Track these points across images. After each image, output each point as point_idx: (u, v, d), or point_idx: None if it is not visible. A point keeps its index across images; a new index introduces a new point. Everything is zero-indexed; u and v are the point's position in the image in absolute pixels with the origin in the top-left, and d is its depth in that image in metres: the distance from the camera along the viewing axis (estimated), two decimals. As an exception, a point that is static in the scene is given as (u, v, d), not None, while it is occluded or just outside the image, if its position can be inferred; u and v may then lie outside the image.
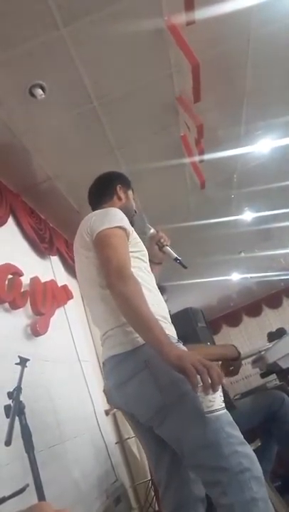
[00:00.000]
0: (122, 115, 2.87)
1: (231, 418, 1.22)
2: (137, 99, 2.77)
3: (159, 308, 1.39)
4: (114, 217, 1.46)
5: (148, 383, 1.25)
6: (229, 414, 1.22)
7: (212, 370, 1.10)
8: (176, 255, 1.73)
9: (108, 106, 2.74)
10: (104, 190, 1.75)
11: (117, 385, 1.35)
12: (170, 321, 1.44)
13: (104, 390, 1.57)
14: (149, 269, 1.52)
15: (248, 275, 7.72)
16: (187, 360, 1.11)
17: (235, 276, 7.81)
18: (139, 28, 2.25)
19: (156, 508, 2.87)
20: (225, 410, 1.15)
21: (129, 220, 1.53)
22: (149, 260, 1.60)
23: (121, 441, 3.57)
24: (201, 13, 2.13)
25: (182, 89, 2.70)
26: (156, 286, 1.51)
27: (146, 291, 1.33)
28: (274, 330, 7.58)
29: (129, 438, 3.52)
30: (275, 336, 6.35)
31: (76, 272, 1.66)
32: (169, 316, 1.45)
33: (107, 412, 3.48)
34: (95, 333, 3.99)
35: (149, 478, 3.03)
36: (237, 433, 1.20)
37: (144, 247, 1.54)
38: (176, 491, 1.37)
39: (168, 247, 1.75)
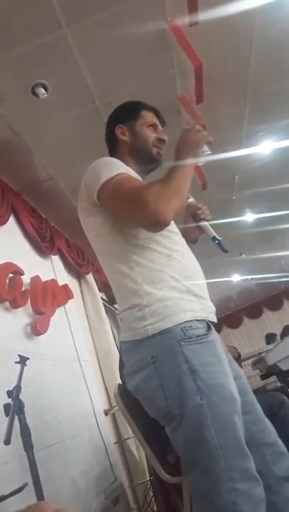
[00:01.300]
0: (125, 115, 2.87)
1: (243, 441, 1.06)
2: (140, 99, 2.75)
3: (180, 278, 1.19)
4: (107, 166, 1.25)
5: (153, 383, 1.11)
6: (242, 437, 1.06)
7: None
8: (215, 234, 1.40)
9: (110, 106, 2.69)
10: (108, 140, 1.48)
11: (127, 372, 1.22)
12: (199, 294, 1.21)
13: (120, 371, 1.41)
14: (175, 230, 1.30)
15: (249, 277, 7.71)
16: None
17: (236, 278, 7.81)
18: (142, 29, 2.25)
19: (155, 509, 2.87)
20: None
21: (147, 158, 1.34)
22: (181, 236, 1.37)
23: (120, 441, 3.57)
24: (205, 15, 2.13)
25: (185, 89, 2.71)
26: (182, 251, 1.27)
27: (164, 257, 1.18)
28: (274, 331, 7.59)
29: (128, 438, 3.52)
30: (271, 338, 6.37)
31: None
32: (197, 290, 1.21)
33: (106, 412, 3.48)
34: (95, 332, 4.00)
35: (148, 478, 3.03)
36: (245, 465, 1.04)
37: None
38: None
39: (206, 223, 1.44)
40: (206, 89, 2.44)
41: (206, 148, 1.29)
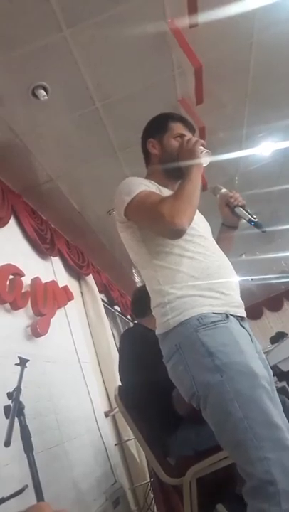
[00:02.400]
0: (125, 117, 2.87)
1: (273, 413, 1.09)
2: (140, 101, 2.77)
3: (202, 277, 1.30)
4: (129, 186, 1.37)
5: (180, 368, 1.23)
6: (271, 410, 1.09)
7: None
8: (250, 216, 1.48)
9: (110, 107, 2.75)
10: (143, 153, 1.59)
11: (164, 361, 1.33)
12: (221, 290, 1.30)
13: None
14: (199, 233, 1.38)
15: (249, 277, 7.70)
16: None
17: (236, 279, 7.79)
18: (142, 30, 2.25)
19: (155, 511, 2.86)
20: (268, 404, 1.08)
21: (176, 168, 1.44)
22: (222, 224, 1.56)
23: (120, 443, 3.56)
24: (204, 16, 2.14)
25: (185, 91, 2.71)
26: (205, 252, 1.36)
27: (186, 259, 1.31)
28: (274, 333, 7.57)
29: (128, 440, 3.52)
30: (276, 339, 6.34)
31: None
32: (220, 286, 1.31)
33: (106, 414, 3.48)
34: (95, 334, 4.00)
35: (148, 480, 3.02)
36: (274, 435, 1.06)
37: None
38: None
39: (240, 208, 1.51)
40: (206, 91, 2.44)
41: (202, 149, 1.40)
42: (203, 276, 1.30)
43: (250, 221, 1.46)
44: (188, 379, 1.20)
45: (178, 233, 1.26)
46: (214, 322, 1.23)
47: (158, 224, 1.26)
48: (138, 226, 1.38)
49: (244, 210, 1.51)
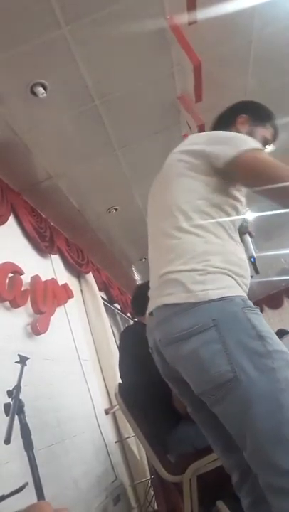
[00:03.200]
0: (124, 114, 2.87)
1: None
2: (139, 99, 2.77)
3: (241, 266, 1.20)
4: (243, 138, 1.26)
5: (215, 346, 1.04)
6: None
7: None
8: (253, 252, 1.37)
9: (109, 105, 2.74)
10: (223, 120, 1.48)
11: (168, 341, 1.13)
12: (244, 275, 1.21)
13: (150, 348, 1.30)
14: (236, 223, 1.29)
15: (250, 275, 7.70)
16: None
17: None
18: (141, 28, 2.24)
19: (155, 508, 2.87)
20: None
21: None
22: None
23: (120, 441, 3.57)
24: (204, 13, 2.13)
25: (184, 88, 2.70)
26: (236, 238, 1.26)
27: (235, 244, 1.20)
28: (275, 330, 7.58)
29: (128, 437, 3.53)
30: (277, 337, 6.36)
31: (151, 196, 1.43)
32: (247, 279, 1.22)
33: (106, 411, 3.49)
34: (95, 332, 4.00)
35: (149, 477, 3.03)
36: None
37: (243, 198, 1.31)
38: (252, 487, 1.13)
39: (250, 238, 1.42)
40: (205, 88, 2.43)
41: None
42: (243, 270, 1.20)
43: (251, 257, 1.36)
44: (225, 361, 1.02)
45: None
46: (255, 308, 1.12)
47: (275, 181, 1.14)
48: (229, 180, 1.23)
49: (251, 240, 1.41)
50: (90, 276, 4.26)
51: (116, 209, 4.06)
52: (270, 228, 5.62)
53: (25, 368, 1.83)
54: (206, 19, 2.17)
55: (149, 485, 2.98)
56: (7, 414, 1.60)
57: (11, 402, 1.65)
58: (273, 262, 7.33)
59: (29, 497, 1.51)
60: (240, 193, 1.29)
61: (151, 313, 1.22)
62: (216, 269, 1.12)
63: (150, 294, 1.28)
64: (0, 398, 1.70)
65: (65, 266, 3.79)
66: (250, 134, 1.40)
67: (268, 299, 10.17)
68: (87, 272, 4.24)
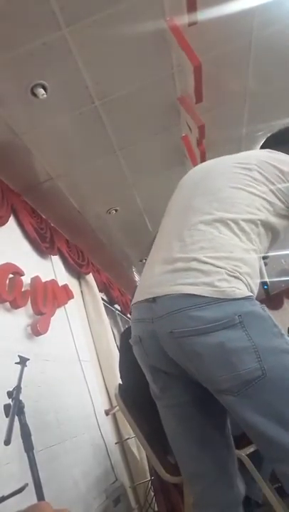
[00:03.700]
0: (124, 115, 2.87)
1: None
2: (139, 100, 2.77)
3: (256, 272, 1.20)
4: None
5: (241, 343, 1.03)
6: None
7: None
8: (267, 279, 1.46)
9: (110, 106, 2.75)
10: (283, 141, 1.44)
11: (186, 333, 1.08)
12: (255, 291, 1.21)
13: (134, 336, 1.25)
14: (270, 247, 1.33)
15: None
16: None
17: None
18: (141, 29, 2.25)
19: (156, 509, 2.87)
20: None
21: None
22: None
23: (121, 442, 3.57)
24: (204, 14, 2.13)
25: (184, 89, 2.70)
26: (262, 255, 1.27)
27: (258, 254, 1.19)
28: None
29: (129, 438, 3.52)
30: None
31: (188, 182, 1.38)
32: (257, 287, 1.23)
33: (106, 412, 3.48)
34: (95, 333, 4.00)
35: (149, 478, 3.03)
36: None
37: None
38: (225, 490, 1.17)
39: (264, 267, 1.42)
40: (206, 89, 2.43)
41: None
42: (258, 287, 1.23)
43: (264, 283, 1.38)
44: (253, 358, 1.02)
45: None
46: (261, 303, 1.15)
47: None
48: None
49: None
50: (90, 277, 4.26)
51: (116, 210, 4.06)
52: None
53: (25, 368, 1.83)
54: (206, 20, 2.18)
55: (149, 486, 2.97)
56: (7, 415, 1.60)
57: (11, 403, 1.65)
58: (273, 263, 7.32)
59: (29, 498, 1.51)
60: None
61: (152, 300, 1.14)
62: (242, 276, 1.12)
63: (152, 275, 1.19)
64: (0, 399, 1.70)
65: (66, 267, 3.79)
66: None
67: (268, 299, 10.16)
68: (88, 273, 4.24)
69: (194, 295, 1.07)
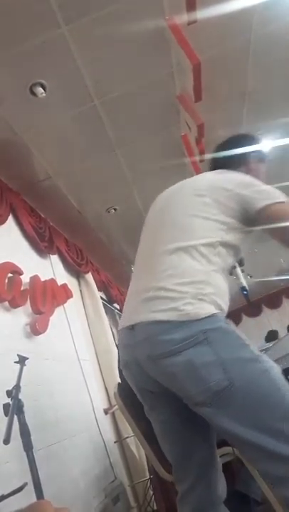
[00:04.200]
0: (123, 114, 2.87)
1: None
2: (138, 98, 2.77)
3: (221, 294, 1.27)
4: (276, 191, 1.35)
5: (207, 358, 1.12)
6: None
7: None
8: (245, 284, 1.52)
9: (109, 105, 2.74)
10: (232, 161, 1.56)
11: (157, 356, 1.18)
12: (225, 308, 1.29)
13: (121, 361, 1.37)
14: (233, 262, 1.40)
15: (248, 275, 7.70)
16: None
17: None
18: (140, 27, 2.25)
19: (155, 507, 2.87)
20: None
21: None
22: None
23: (120, 440, 3.57)
24: (203, 13, 2.13)
25: (183, 88, 2.70)
26: (227, 273, 1.36)
27: (220, 273, 1.27)
28: (269, 329, 7.59)
29: (128, 437, 3.52)
30: (269, 338, 6.38)
31: (159, 210, 1.48)
32: (226, 305, 1.31)
33: (106, 411, 3.49)
34: (94, 332, 4.00)
35: (148, 477, 3.03)
36: None
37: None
38: (203, 492, 1.27)
39: (240, 271, 1.53)
40: (205, 88, 2.43)
41: None
42: (228, 297, 1.31)
43: (243, 288, 1.49)
44: (220, 370, 1.10)
45: None
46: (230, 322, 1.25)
47: None
48: (249, 225, 1.35)
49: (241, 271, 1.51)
50: (89, 276, 4.26)
51: (115, 209, 4.06)
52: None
53: (24, 367, 1.83)
54: (205, 19, 2.17)
55: (149, 485, 2.98)
56: (6, 414, 1.60)
57: (11, 402, 1.65)
58: (272, 261, 7.33)
59: (28, 497, 1.51)
60: (246, 236, 1.40)
61: (131, 328, 1.26)
62: (206, 297, 1.21)
63: (131, 304, 1.32)
64: (-1, 398, 1.70)
65: (65, 266, 3.78)
66: (258, 173, 1.54)
67: (267, 298, 10.17)
68: (87, 272, 4.24)
69: (165, 321, 1.17)
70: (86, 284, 4.20)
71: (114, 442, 3.46)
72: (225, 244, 1.31)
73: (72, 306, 3.54)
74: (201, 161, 3.34)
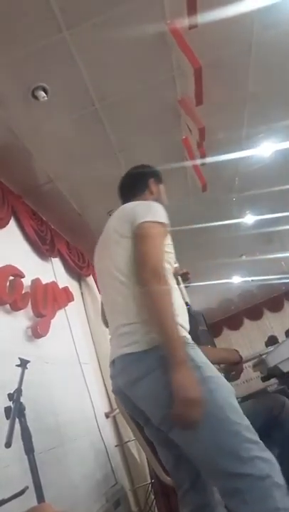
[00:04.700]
0: (124, 118, 2.88)
1: (248, 423, 1.20)
2: (139, 102, 2.78)
3: (178, 314, 1.33)
4: (158, 211, 1.43)
5: (160, 383, 1.20)
6: (247, 419, 1.20)
7: (191, 411, 1.10)
8: (188, 300, 1.65)
9: (110, 108, 2.75)
10: (137, 182, 1.71)
11: (130, 384, 1.31)
12: (187, 327, 1.39)
13: (112, 390, 1.55)
14: (171, 272, 1.47)
15: (249, 278, 7.70)
16: (185, 391, 1.10)
17: (236, 280, 7.80)
18: (141, 31, 2.25)
19: (156, 512, 2.86)
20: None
21: None
22: None
23: (121, 444, 3.56)
24: (204, 17, 2.14)
25: (184, 92, 2.71)
26: (177, 292, 1.46)
27: (174, 291, 1.36)
28: (275, 333, 7.57)
29: (129, 441, 3.51)
30: (269, 343, 6.36)
31: (96, 258, 1.62)
32: (186, 323, 1.40)
33: (107, 415, 3.48)
34: (95, 335, 3.99)
35: (149, 481, 3.02)
36: (256, 438, 1.17)
37: (173, 249, 1.48)
38: (198, 494, 1.33)
39: (183, 287, 1.69)
40: (206, 92, 2.43)
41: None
42: (181, 312, 1.37)
43: (186, 303, 1.56)
44: (167, 394, 1.15)
45: (144, 287, 1.26)
46: (192, 343, 1.32)
47: (142, 266, 1.29)
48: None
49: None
50: (90, 279, 4.26)
51: (116, 212, 4.06)
52: (271, 231, 5.62)
53: (26, 371, 1.83)
54: (206, 23, 2.18)
55: (150, 489, 2.97)
56: (8, 418, 1.59)
57: (12, 406, 1.64)
58: (274, 265, 7.32)
59: (29, 501, 1.51)
60: (169, 247, 1.45)
61: (113, 362, 1.43)
62: None
63: (110, 342, 1.50)
64: (1, 401, 1.70)
65: (66, 269, 3.79)
66: (160, 194, 1.69)
67: (268, 302, 10.17)
68: (88, 275, 4.24)
69: (130, 353, 1.31)
70: (87, 286, 4.20)
71: (116, 446, 3.44)
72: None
73: (74, 309, 3.54)
74: (202, 164, 3.35)
